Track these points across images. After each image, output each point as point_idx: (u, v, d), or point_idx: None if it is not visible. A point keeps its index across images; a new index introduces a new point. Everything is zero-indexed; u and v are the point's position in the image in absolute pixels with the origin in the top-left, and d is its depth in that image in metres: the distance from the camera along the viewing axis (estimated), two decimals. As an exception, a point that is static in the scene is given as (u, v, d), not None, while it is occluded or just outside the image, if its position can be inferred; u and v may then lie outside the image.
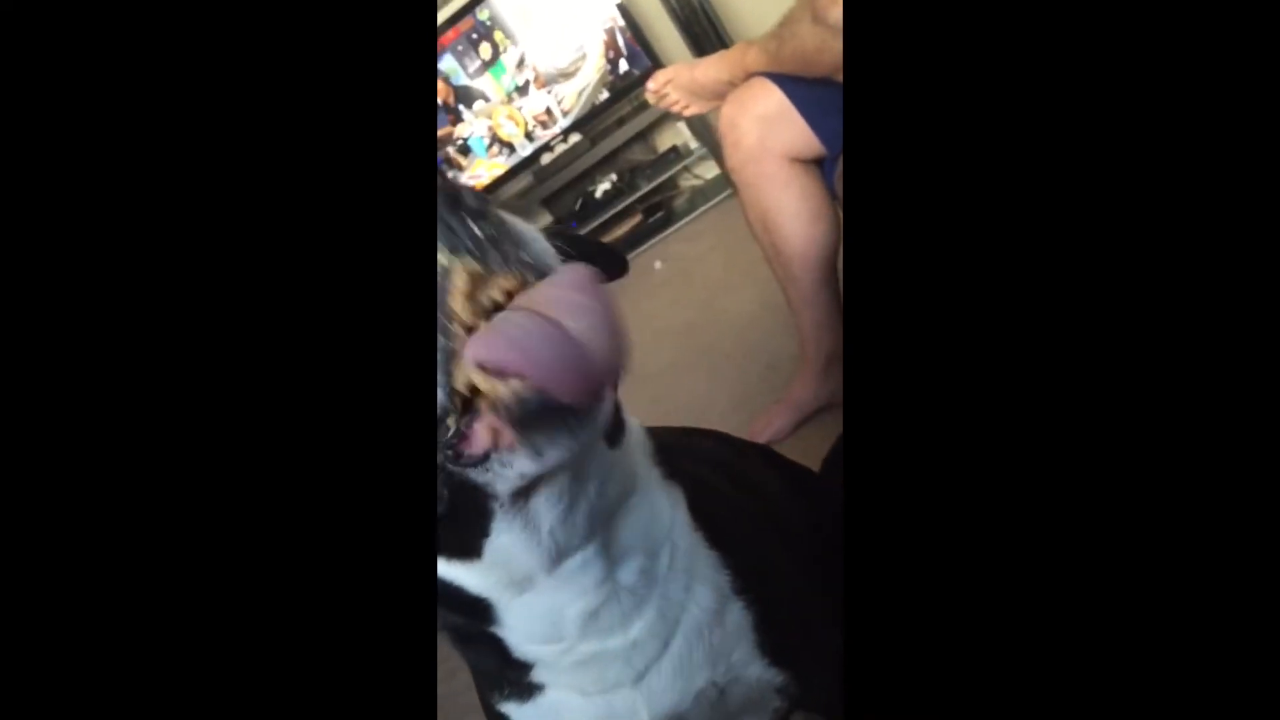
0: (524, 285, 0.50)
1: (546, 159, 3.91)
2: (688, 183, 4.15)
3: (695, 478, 0.73)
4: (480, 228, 0.48)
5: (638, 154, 4.15)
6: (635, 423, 0.72)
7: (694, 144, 3.88)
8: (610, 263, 0.72)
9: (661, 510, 0.69)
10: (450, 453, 0.51)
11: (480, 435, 0.50)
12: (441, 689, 0.63)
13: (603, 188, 3.96)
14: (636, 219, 3.95)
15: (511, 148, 3.98)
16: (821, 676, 0.75)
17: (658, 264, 3.47)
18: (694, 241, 3.50)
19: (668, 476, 0.71)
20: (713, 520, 0.72)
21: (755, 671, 0.72)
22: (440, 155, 3.97)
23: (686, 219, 3.78)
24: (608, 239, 3.94)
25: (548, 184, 3.90)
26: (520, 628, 0.67)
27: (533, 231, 0.53)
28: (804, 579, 0.78)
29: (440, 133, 3.95)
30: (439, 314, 0.48)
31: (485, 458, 0.51)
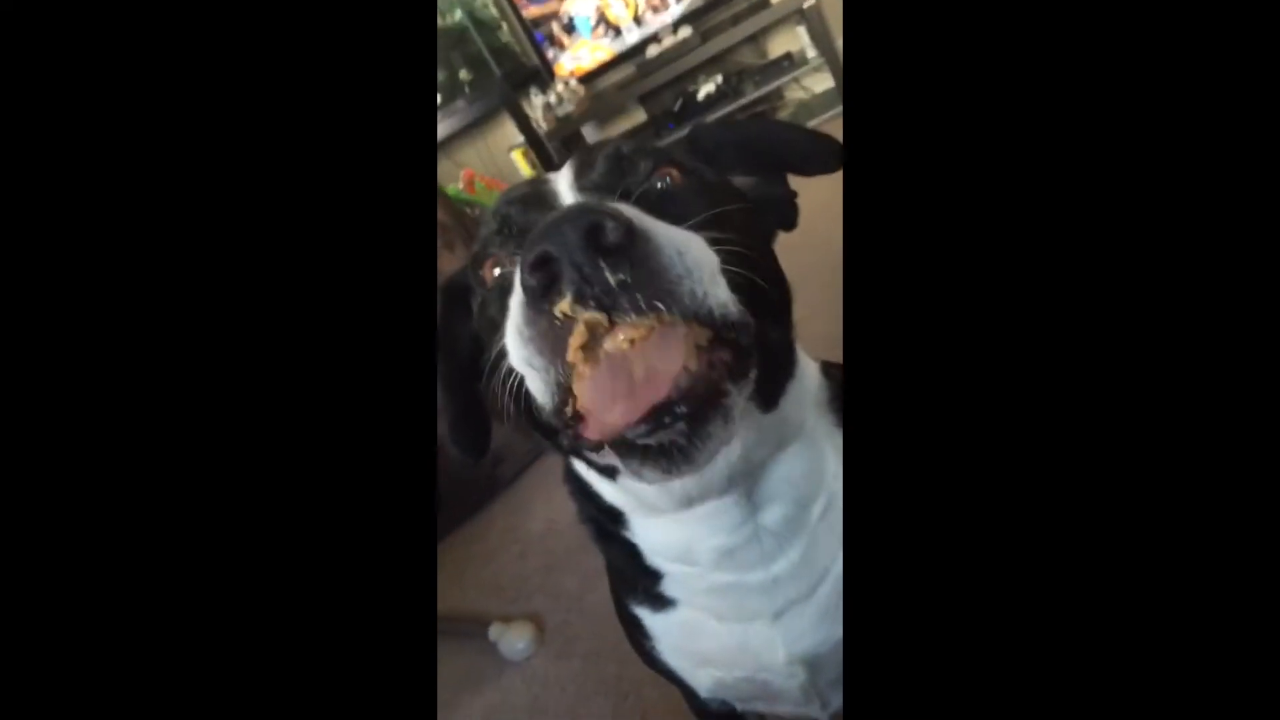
0: (653, 330, 0.44)
1: (652, 51, 3.71)
2: (794, 95, 3.91)
3: None
4: (618, 270, 0.42)
5: (748, 56, 3.91)
6: (813, 369, 0.68)
7: (811, 52, 3.63)
8: (817, 155, 0.66)
9: (822, 459, 0.66)
10: (568, 439, 0.49)
11: (592, 429, 0.47)
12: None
13: (706, 89, 3.76)
14: (737, 127, 3.76)
15: (618, 31, 3.78)
16: None
17: (754, 179, 3.32)
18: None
19: (839, 425, 0.68)
20: None
21: None
22: (543, 31, 3.80)
23: (790, 134, 3.59)
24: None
25: (650, 79, 3.71)
26: (652, 542, 0.68)
27: (693, 262, 0.45)
28: None
29: (546, 8, 3.77)
30: (555, 360, 0.45)
31: (600, 446, 0.48)
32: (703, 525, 0.63)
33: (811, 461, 0.65)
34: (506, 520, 2.07)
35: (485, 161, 4.32)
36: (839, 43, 3.40)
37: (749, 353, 0.50)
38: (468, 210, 2.62)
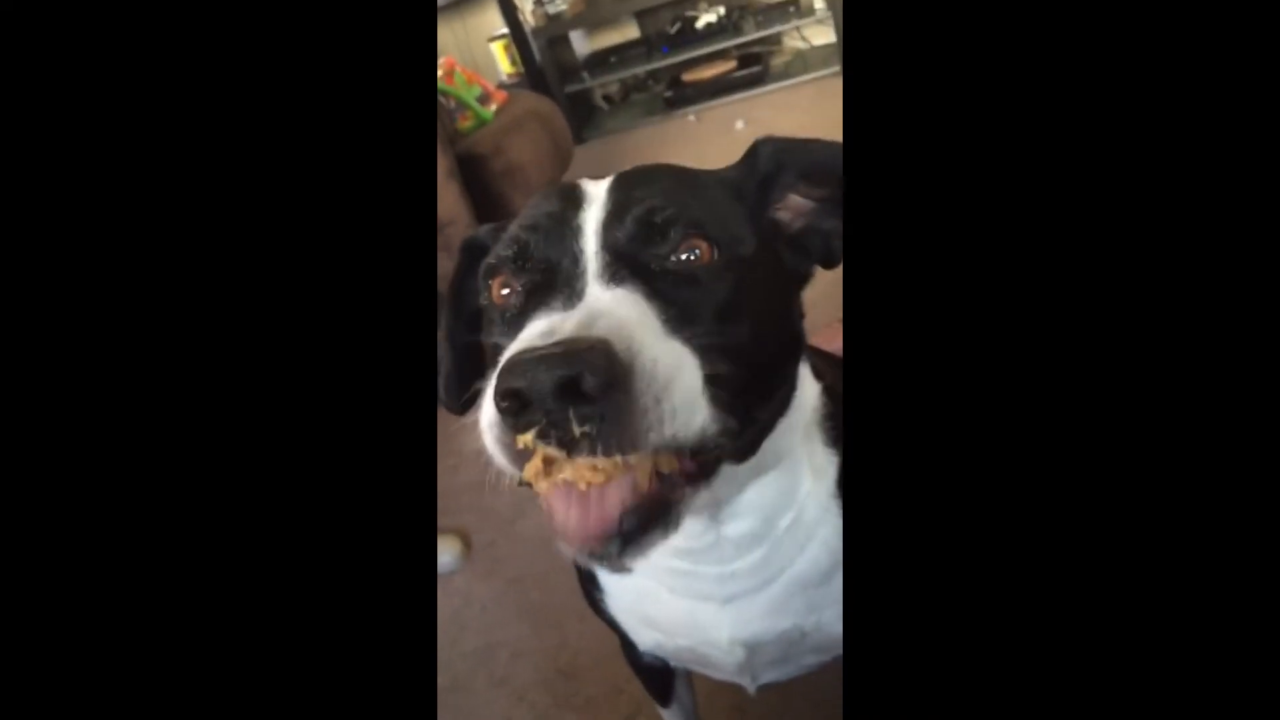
0: (615, 471, 0.46)
1: (657, -35, 3.52)
2: (793, 43, 3.81)
3: None
4: (586, 422, 0.42)
5: (753, -7, 3.77)
6: (812, 394, 0.67)
7: (819, 3, 3.52)
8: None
9: (798, 482, 0.67)
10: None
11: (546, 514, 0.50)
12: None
13: (706, 19, 3.62)
14: (730, 65, 3.64)
15: (623, -62, 3.57)
16: None
17: (740, 124, 3.24)
18: (784, 112, 3.26)
19: (829, 443, 0.69)
20: None
21: (840, 629, 0.71)
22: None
23: (781, 83, 3.51)
24: (693, 77, 3.66)
25: (650, -6, 3.54)
26: None
27: (670, 404, 0.45)
28: None
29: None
30: (514, 466, 0.47)
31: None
32: None
33: (786, 482, 0.65)
34: (445, 429, 2.04)
35: (462, 49, 4.06)
36: (849, -2, 3.31)
37: (719, 458, 0.53)
38: (441, 99, 2.47)
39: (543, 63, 3.71)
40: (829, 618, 0.71)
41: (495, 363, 0.55)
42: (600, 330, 0.45)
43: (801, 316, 0.65)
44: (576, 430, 0.42)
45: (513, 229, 0.58)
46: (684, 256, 0.53)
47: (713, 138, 3.25)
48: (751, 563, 0.67)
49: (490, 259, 0.58)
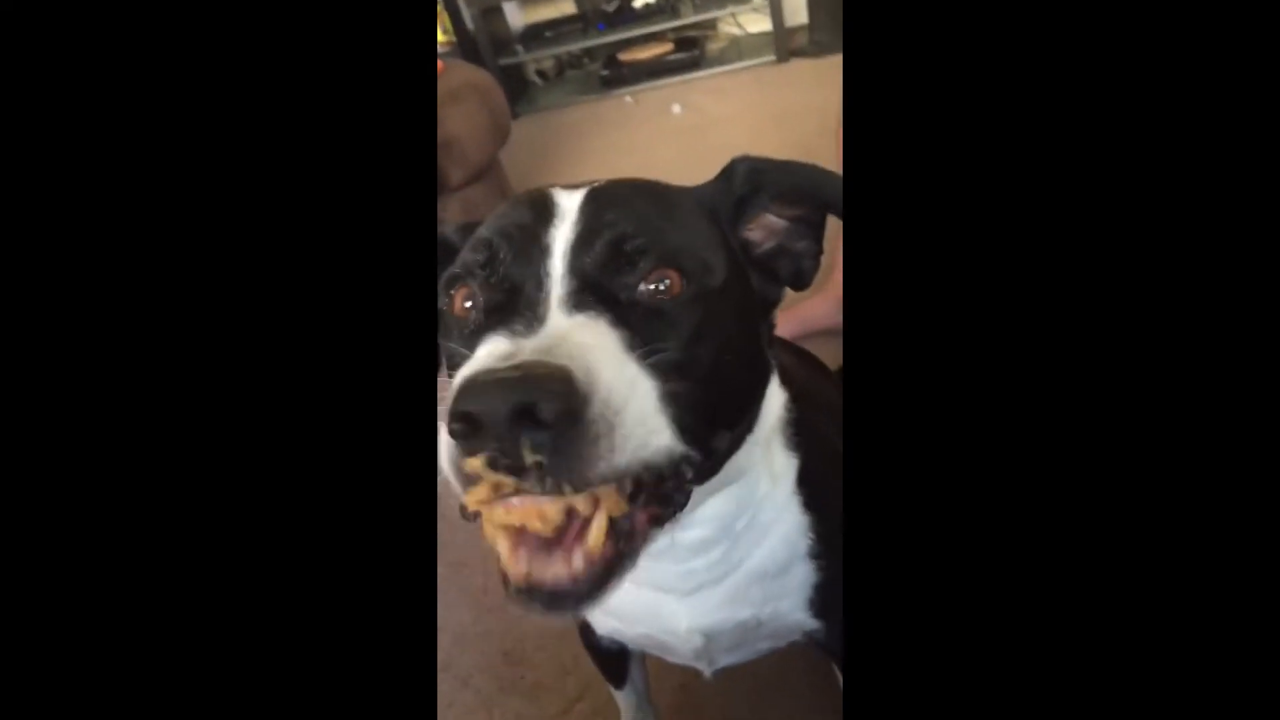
0: (560, 517, 0.45)
1: (596, -60, 3.47)
2: (729, 29, 3.83)
3: (812, 443, 0.71)
4: (538, 452, 0.41)
5: (691, -25, 3.76)
6: (776, 404, 0.68)
7: (756, -9, 3.55)
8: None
9: (755, 489, 0.67)
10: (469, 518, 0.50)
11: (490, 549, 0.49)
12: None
13: (644, -1, 3.59)
14: (667, 47, 3.63)
15: (562, -90, 3.49)
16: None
17: (676, 107, 3.24)
18: (719, 98, 3.28)
19: (790, 447, 0.70)
20: (814, 487, 0.71)
21: (798, 617, 0.75)
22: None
23: (717, 69, 3.52)
24: (629, 58, 3.63)
25: (588, -30, 3.48)
26: None
27: (623, 434, 0.44)
28: None
29: None
30: (464, 490, 0.45)
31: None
32: None
33: (744, 492, 0.66)
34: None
35: (389, 12, 3.89)
36: (785, -12, 3.35)
37: (679, 488, 0.53)
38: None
39: (475, 32, 3.61)
40: (786, 607, 0.73)
41: (450, 373, 0.54)
42: (559, 357, 0.43)
43: (771, 343, 0.65)
44: (528, 458, 0.41)
45: (482, 233, 0.56)
46: (653, 287, 0.52)
47: (649, 120, 3.24)
48: (709, 561, 0.68)
49: (455, 268, 0.56)
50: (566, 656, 1.28)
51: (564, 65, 4.05)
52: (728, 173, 0.62)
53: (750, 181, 0.61)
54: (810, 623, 0.75)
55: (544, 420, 0.40)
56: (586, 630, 0.86)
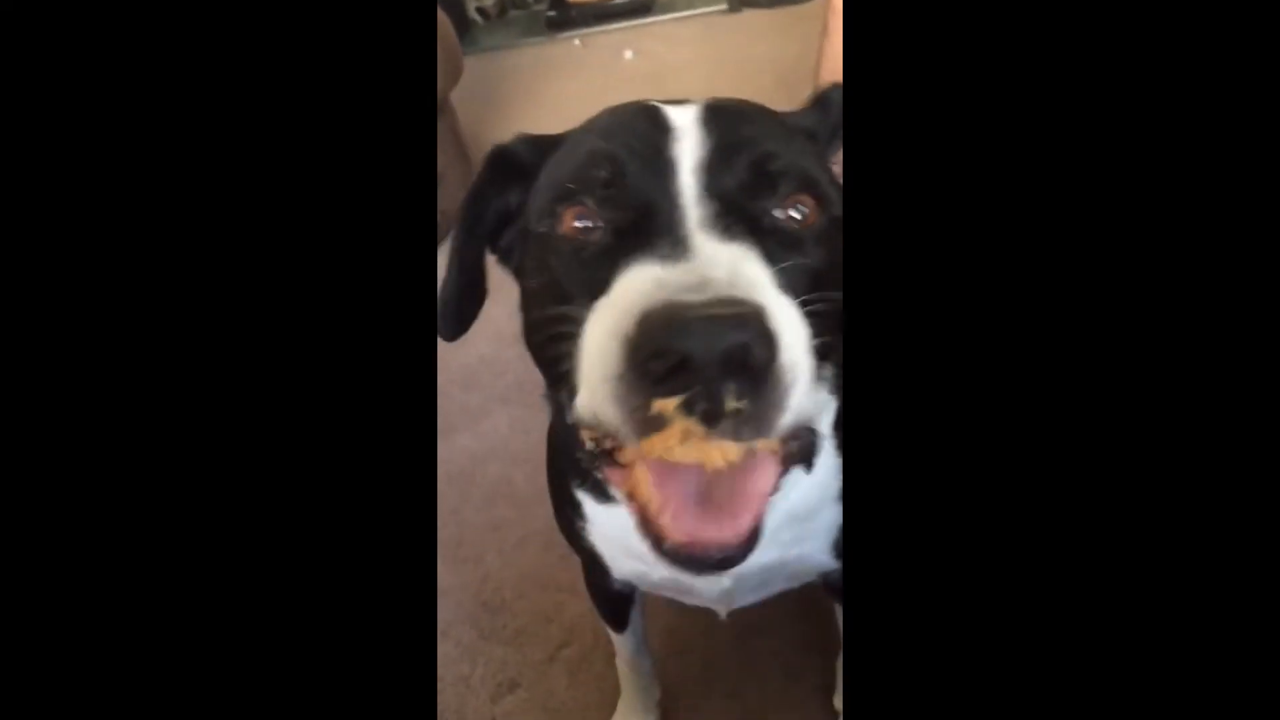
0: (747, 456, 0.42)
1: None
2: (678, -25, 3.74)
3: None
4: (741, 398, 0.38)
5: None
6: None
7: (708, -65, 3.47)
8: None
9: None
10: (592, 468, 0.50)
11: (631, 498, 0.47)
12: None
13: (592, -63, 3.45)
14: (616, -10, 3.52)
15: None
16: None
17: (629, 53, 3.16)
18: (672, 45, 3.21)
19: (831, 390, 0.67)
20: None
21: (820, 559, 0.75)
22: None
23: (668, 15, 3.44)
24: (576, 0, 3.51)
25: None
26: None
27: (800, 387, 0.41)
28: None
29: None
30: (631, 435, 0.41)
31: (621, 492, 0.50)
32: None
33: None
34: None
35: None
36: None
37: (814, 438, 0.51)
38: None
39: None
40: (811, 548, 0.74)
41: (541, 302, 0.50)
42: (752, 293, 0.39)
43: None
44: (729, 405, 0.38)
45: (598, 144, 0.50)
46: (790, 213, 0.48)
47: (601, 66, 3.15)
48: None
49: (569, 182, 0.50)
50: (548, 604, 1.28)
51: (506, 4, 3.87)
52: (823, 101, 0.60)
53: (840, 107, 0.60)
54: (831, 564, 0.76)
55: (754, 364, 0.37)
56: (599, 574, 0.85)
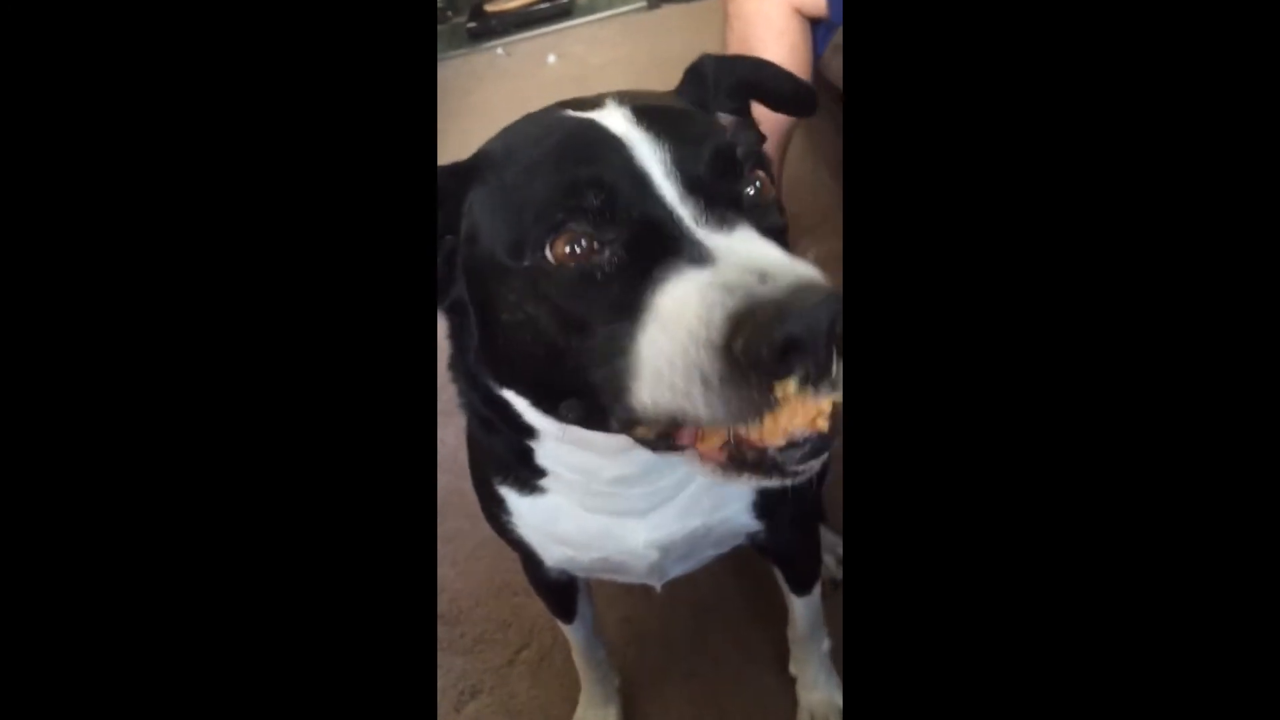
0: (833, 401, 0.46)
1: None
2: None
3: None
4: (839, 359, 0.42)
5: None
6: None
7: (621, -65, 3.49)
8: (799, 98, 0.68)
9: None
10: (662, 446, 0.52)
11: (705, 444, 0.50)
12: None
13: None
14: (535, -5, 3.53)
15: None
16: (788, 530, 0.85)
17: (551, 58, 3.17)
18: (594, 47, 3.23)
19: None
20: None
21: (742, 520, 0.77)
22: None
23: (589, 18, 3.46)
24: (496, 8, 3.50)
25: (444, -86, 3.31)
26: (557, 456, 0.67)
27: None
28: None
29: None
30: (741, 420, 0.44)
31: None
32: (614, 459, 0.64)
33: None
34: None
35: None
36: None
37: None
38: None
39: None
40: (732, 511, 0.76)
41: (541, 331, 0.51)
42: (797, 269, 0.43)
43: None
44: (834, 368, 0.42)
45: (579, 173, 0.50)
46: (752, 190, 0.52)
47: (525, 73, 3.16)
48: (675, 478, 0.69)
49: (557, 211, 0.50)
50: (504, 610, 1.28)
51: (427, 19, 3.86)
52: (697, 73, 0.63)
53: (716, 77, 0.62)
54: (753, 524, 0.78)
55: (839, 329, 0.41)
56: (535, 566, 0.86)
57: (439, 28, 3.82)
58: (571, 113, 0.55)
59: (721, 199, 0.50)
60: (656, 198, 0.49)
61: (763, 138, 0.63)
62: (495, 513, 0.79)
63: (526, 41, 3.42)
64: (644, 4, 3.40)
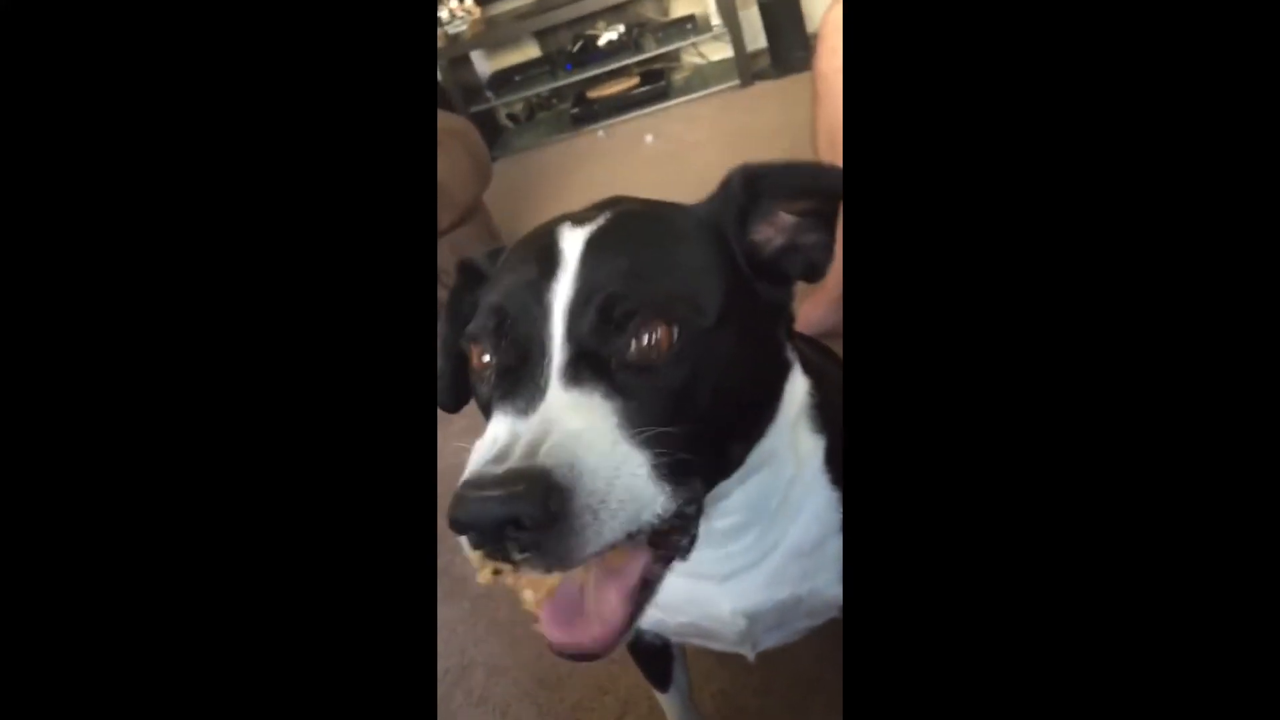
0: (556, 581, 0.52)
1: (555, -15, 3.57)
2: (691, 59, 3.94)
3: (837, 424, 0.73)
4: (525, 549, 0.46)
5: (650, 11, 3.87)
6: (800, 391, 0.70)
7: (715, 19, 3.66)
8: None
9: (782, 473, 0.69)
10: None
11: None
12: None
13: (607, 36, 3.68)
14: (633, 81, 3.73)
15: (520, -42, 3.59)
16: None
17: (649, 138, 3.32)
18: (690, 125, 3.36)
19: (816, 429, 0.72)
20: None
21: (834, 591, 0.77)
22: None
23: (685, 98, 3.62)
24: (597, 94, 3.72)
25: (550, 15, 3.58)
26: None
27: (609, 512, 0.48)
28: None
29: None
30: None
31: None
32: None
33: (771, 476, 0.68)
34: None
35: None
36: (742, 13, 3.45)
37: (685, 530, 0.57)
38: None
39: (445, 83, 3.68)
40: (822, 583, 0.75)
41: (486, 412, 0.58)
42: (544, 456, 0.47)
43: (791, 337, 0.68)
44: (515, 556, 0.47)
45: (493, 298, 0.58)
46: (645, 343, 0.53)
47: (624, 152, 3.32)
48: (745, 544, 0.70)
49: (471, 329, 0.59)
50: (603, 676, 1.29)
51: (534, 107, 4.14)
52: (726, 184, 0.64)
53: (749, 185, 0.62)
54: None
55: (527, 526, 0.45)
56: None
57: (545, 114, 4.10)
58: (559, 227, 0.60)
59: (589, 354, 0.53)
60: (542, 334, 0.54)
61: (831, 242, 0.64)
62: None
63: (626, 123, 3.60)
64: (737, 82, 3.52)
